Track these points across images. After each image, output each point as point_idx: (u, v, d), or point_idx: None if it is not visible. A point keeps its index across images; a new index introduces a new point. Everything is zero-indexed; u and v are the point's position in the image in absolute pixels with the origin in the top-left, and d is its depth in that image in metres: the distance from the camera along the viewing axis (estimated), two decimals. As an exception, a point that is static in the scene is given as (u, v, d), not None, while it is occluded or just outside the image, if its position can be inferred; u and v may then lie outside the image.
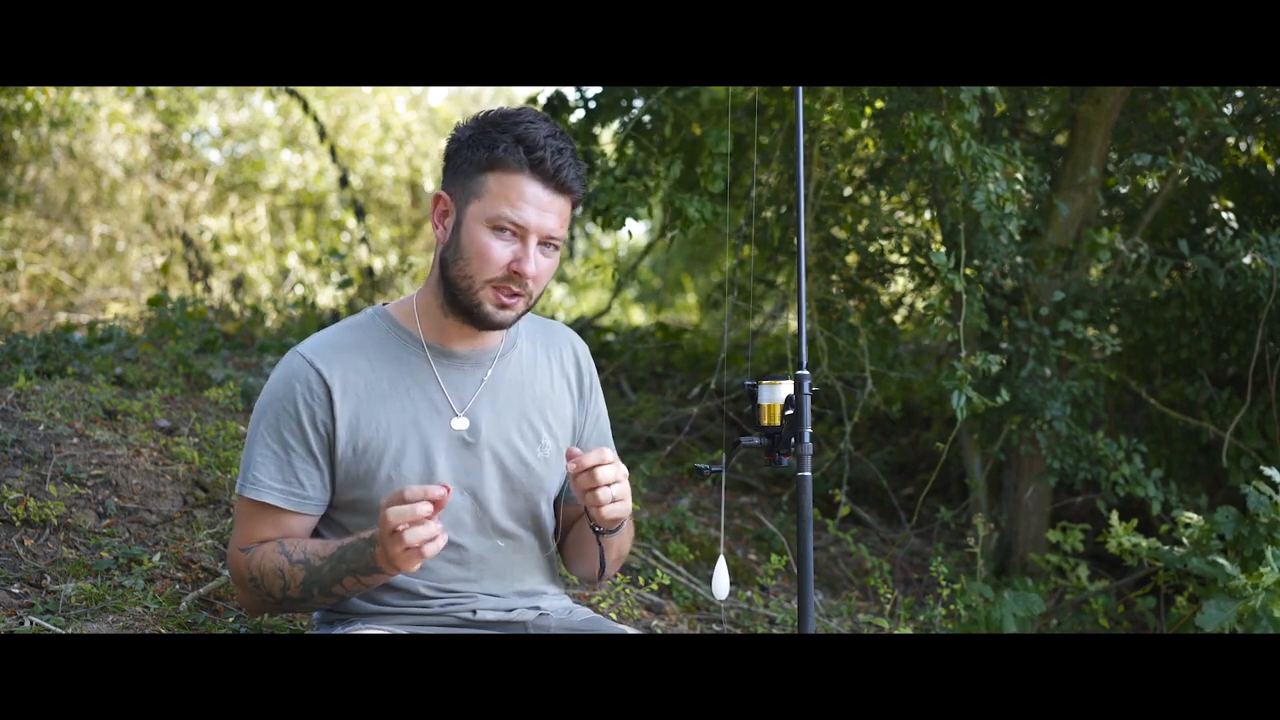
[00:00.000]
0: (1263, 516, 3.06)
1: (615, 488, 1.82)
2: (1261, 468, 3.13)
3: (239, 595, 1.96)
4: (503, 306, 1.90)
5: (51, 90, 7.79)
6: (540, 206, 1.87)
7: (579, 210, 5.13)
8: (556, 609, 2.05)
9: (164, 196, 9.31)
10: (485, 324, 1.92)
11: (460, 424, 1.95)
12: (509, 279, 1.87)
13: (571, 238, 7.10)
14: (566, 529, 2.12)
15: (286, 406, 1.91)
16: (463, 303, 1.90)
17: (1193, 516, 3.20)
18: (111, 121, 8.86)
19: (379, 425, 1.92)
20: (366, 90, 9.86)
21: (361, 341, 1.96)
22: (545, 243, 1.89)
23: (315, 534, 1.97)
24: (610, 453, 1.83)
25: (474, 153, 1.88)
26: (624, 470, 1.85)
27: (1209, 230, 4.15)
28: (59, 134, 8.39)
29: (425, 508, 1.67)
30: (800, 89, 2.06)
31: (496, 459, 1.98)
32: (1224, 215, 4.24)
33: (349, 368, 1.93)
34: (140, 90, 8.89)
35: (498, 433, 1.98)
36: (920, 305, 4.66)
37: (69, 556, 2.48)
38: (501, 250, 1.86)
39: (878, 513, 4.50)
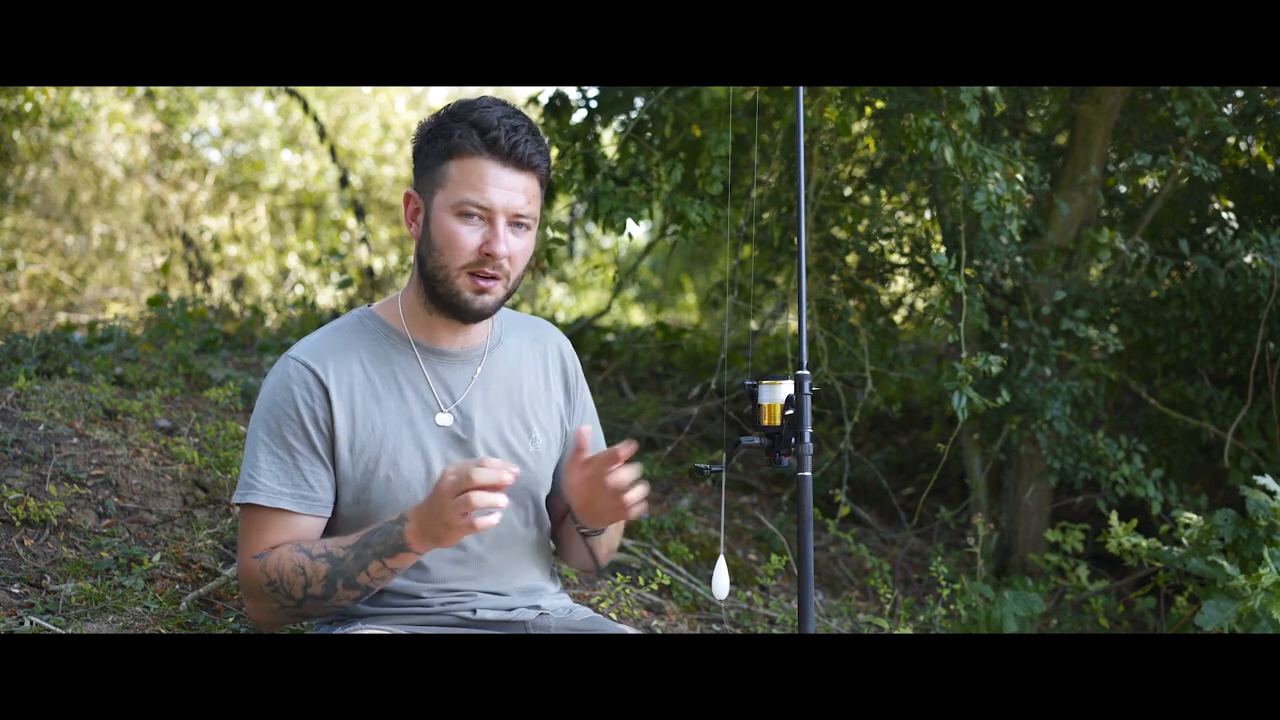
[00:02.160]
0: (1261, 519, 3.06)
1: (639, 487, 1.86)
2: (1255, 477, 3.13)
3: (251, 609, 1.93)
4: (480, 292, 1.90)
5: (51, 90, 7.78)
6: (503, 186, 1.87)
7: (579, 210, 5.13)
8: (556, 608, 2.06)
9: (164, 196, 9.31)
10: (466, 313, 1.92)
11: (444, 419, 1.96)
12: (482, 262, 1.88)
13: (571, 238, 7.09)
14: (558, 523, 2.12)
15: (287, 410, 1.91)
16: (441, 294, 1.91)
17: (1192, 517, 3.20)
18: (111, 121, 8.85)
19: (374, 425, 1.92)
20: (366, 90, 9.86)
21: (351, 343, 1.97)
22: (515, 222, 1.90)
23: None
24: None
25: (433, 145, 1.90)
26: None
27: (1209, 230, 4.15)
28: (59, 134, 8.38)
29: (508, 477, 1.68)
30: (800, 89, 2.06)
31: (490, 454, 1.98)
32: (1224, 215, 4.24)
33: (342, 368, 1.93)
34: (140, 90, 8.88)
35: (490, 428, 1.99)
36: (920, 305, 4.65)
37: (69, 556, 2.48)
38: (470, 235, 1.87)
39: (878, 513, 4.50)
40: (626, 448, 1.82)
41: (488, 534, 1.98)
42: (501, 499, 1.69)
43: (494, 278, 1.90)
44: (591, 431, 1.88)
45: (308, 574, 1.84)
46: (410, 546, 1.78)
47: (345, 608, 1.90)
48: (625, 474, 1.84)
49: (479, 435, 1.98)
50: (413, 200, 1.94)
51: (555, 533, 2.13)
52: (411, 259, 2.00)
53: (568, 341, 2.16)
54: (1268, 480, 3.07)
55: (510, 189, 1.88)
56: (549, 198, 3.93)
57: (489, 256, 1.87)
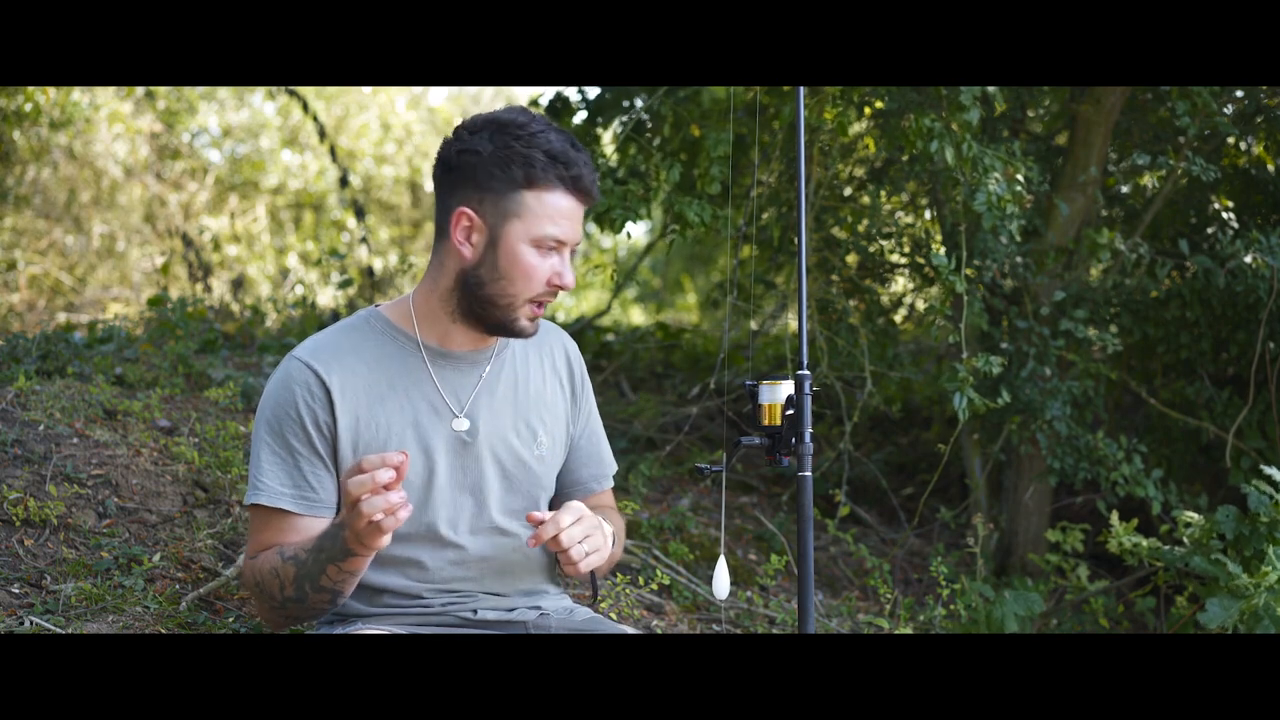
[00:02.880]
0: (1263, 516, 3.06)
1: (586, 543, 1.84)
2: (1261, 467, 3.13)
3: (257, 609, 1.96)
4: (534, 318, 1.94)
5: (51, 90, 7.78)
6: (575, 220, 1.90)
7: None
8: (557, 609, 2.06)
9: (164, 196, 9.31)
10: (517, 335, 1.95)
11: (461, 424, 1.95)
12: (549, 293, 1.91)
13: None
14: None
15: (288, 410, 1.90)
16: (498, 319, 1.92)
17: (1193, 516, 3.20)
18: (111, 121, 8.85)
19: (379, 426, 1.92)
20: (366, 90, 9.86)
21: (357, 343, 1.96)
22: (574, 249, 1.94)
23: None
24: (569, 513, 1.82)
25: (505, 169, 1.85)
26: (590, 520, 1.85)
27: (1209, 230, 4.15)
28: (59, 134, 8.38)
29: (385, 474, 1.66)
30: (801, 89, 2.06)
31: (495, 458, 1.98)
32: (1224, 215, 4.24)
33: (346, 369, 1.93)
34: (140, 90, 8.89)
35: (495, 431, 1.99)
36: (920, 305, 4.66)
37: (69, 556, 2.48)
38: (544, 267, 1.89)
39: (878, 513, 4.50)
40: (548, 528, 1.80)
41: (488, 536, 1.98)
42: (394, 497, 1.66)
43: (547, 303, 1.93)
44: (538, 515, 1.83)
45: (281, 577, 1.85)
46: (354, 550, 1.76)
47: (325, 608, 1.88)
48: (562, 540, 1.81)
49: (483, 438, 1.97)
50: (466, 218, 1.89)
51: None
52: (429, 263, 1.98)
53: (574, 344, 2.16)
54: (1273, 471, 3.06)
55: (579, 221, 1.91)
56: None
57: (559, 288, 1.90)
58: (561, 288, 1.90)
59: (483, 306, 1.91)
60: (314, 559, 1.81)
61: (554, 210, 1.87)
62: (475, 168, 1.87)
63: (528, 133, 1.86)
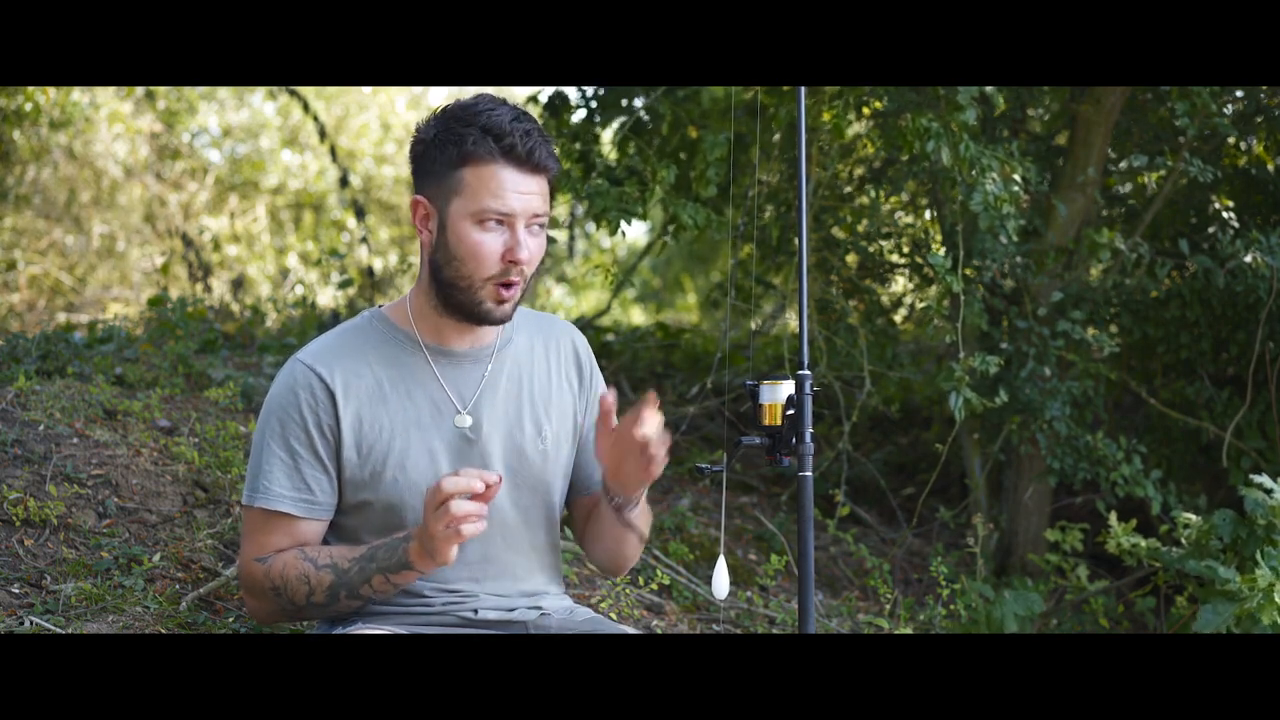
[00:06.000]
0: (1260, 519, 3.06)
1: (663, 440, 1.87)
2: (1252, 476, 3.13)
3: (251, 606, 1.96)
4: (502, 301, 1.90)
5: (51, 90, 7.78)
6: (520, 190, 1.86)
7: (578, 210, 5.12)
8: (558, 609, 2.06)
9: (164, 196, 9.31)
10: (487, 321, 1.92)
11: (464, 421, 1.96)
12: (506, 271, 1.87)
13: (571, 238, 7.09)
14: (586, 522, 2.12)
15: (291, 414, 1.91)
16: (462, 302, 1.91)
17: (1191, 517, 3.20)
18: (111, 121, 8.85)
19: (382, 427, 1.92)
20: (366, 90, 9.86)
21: (360, 345, 1.96)
22: (531, 223, 1.89)
23: (324, 540, 1.98)
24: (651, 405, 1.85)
25: (443, 151, 1.88)
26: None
27: (1209, 230, 4.15)
28: (59, 134, 8.38)
29: (478, 484, 1.71)
30: (802, 89, 2.06)
31: (500, 454, 1.98)
32: (1224, 215, 4.24)
33: (350, 371, 1.93)
34: (140, 90, 8.88)
35: (499, 428, 1.98)
36: (920, 305, 4.66)
37: (69, 556, 2.48)
38: (493, 243, 1.87)
39: (877, 513, 4.50)
40: (653, 399, 1.82)
41: (493, 535, 1.97)
42: (480, 507, 1.71)
43: (514, 284, 1.89)
44: (614, 395, 1.87)
45: (311, 583, 1.86)
46: (414, 564, 1.79)
47: (343, 613, 1.91)
48: (650, 425, 1.84)
49: (487, 436, 1.97)
50: (422, 206, 1.92)
51: (585, 530, 2.13)
52: (419, 262, 1.99)
53: (581, 336, 2.15)
54: (1264, 479, 3.07)
55: (528, 193, 1.87)
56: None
57: (513, 264, 1.87)
58: (515, 262, 1.86)
59: (448, 292, 1.91)
60: (359, 568, 1.84)
61: (492, 183, 1.85)
62: (424, 156, 1.91)
63: (469, 112, 1.87)
